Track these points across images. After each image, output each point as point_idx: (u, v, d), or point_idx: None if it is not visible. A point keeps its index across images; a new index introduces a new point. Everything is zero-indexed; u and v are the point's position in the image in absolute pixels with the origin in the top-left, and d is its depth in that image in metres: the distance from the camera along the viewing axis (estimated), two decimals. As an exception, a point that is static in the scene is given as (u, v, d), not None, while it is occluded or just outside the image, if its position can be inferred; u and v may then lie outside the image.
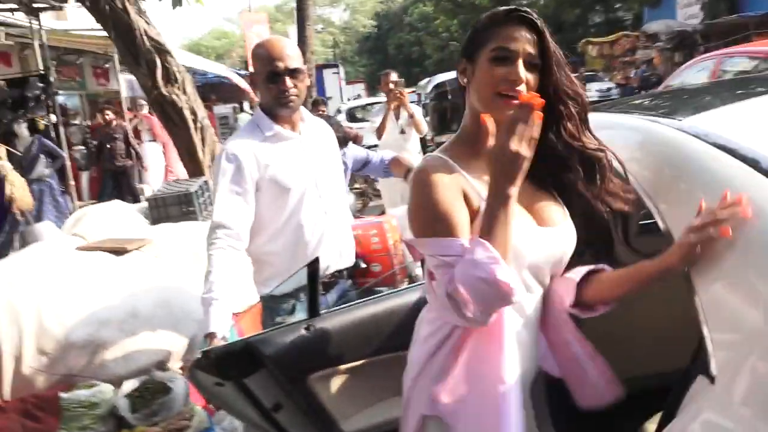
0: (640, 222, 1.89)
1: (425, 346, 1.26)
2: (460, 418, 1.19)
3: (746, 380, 0.93)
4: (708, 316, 1.01)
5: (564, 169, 1.25)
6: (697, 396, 1.02)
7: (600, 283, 1.25)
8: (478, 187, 1.18)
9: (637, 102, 2.10)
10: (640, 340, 1.82)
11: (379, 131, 5.28)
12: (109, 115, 8.62)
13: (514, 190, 1.10)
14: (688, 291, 1.05)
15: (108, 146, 8.52)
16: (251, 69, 2.09)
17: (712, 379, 0.97)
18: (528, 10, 1.18)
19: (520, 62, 1.16)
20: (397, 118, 5.24)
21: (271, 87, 1.95)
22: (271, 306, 2.05)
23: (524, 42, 1.16)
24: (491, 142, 1.12)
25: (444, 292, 1.11)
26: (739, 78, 3.27)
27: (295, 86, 1.96)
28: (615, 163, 1.28)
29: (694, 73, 7.21)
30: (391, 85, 5.15)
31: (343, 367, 1.55)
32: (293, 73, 1.95)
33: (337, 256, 2.08)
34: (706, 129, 1.21)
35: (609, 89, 18.94)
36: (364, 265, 2.18)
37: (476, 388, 1.18)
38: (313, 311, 1.58)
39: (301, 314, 1.99)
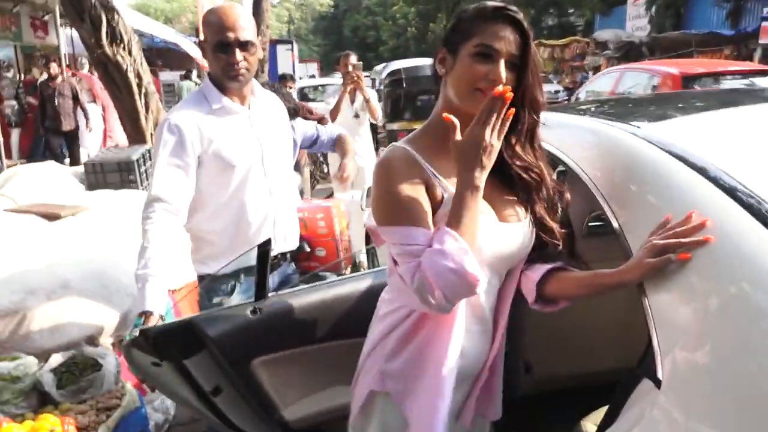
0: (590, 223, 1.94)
1: (381, 325, 1.30)
2: (407, 396, 1.24)
3: (692, 387, 0.96)
4: (656, 319, 1.03)
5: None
6: (642, 399, 1.05)
7: (560, 282, 1.28)
8: (442, 179, 1.19)
9: (586, 107, 2.15)
10: (590, 337, 1.87)
11: (333, 113, 5.20)
12: (54, 69, 8.09)
13: (482, 180, 1.12)
14: (638, 292, 1.08)
15: (53, 104, 8.03)
16: (201, 36, 1.99)
17: (658, 384, 1.00)
18: (516, 9, 1.17)
19: (502, 62, 1.15)
20: (353, 101, 5.17)
21: (219, 57, 1.86)
22: (209, 286, 1.98)
23: (508, 42, 1.15)
24: (457, 136, 1.13)
25: (410, 279, 1.13)
26: (697, 91, 3.41)
27: (246, 59, 1.87)
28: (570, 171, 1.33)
29: (603, 82, 8.58)
30: (350, 68, 5.06)
31: (287, 352, 1.52)
32: (244, 45, 1.86)
33: (281, 239, 2.03)
34: (660, 136, 1.24)
35: (557, 92, 19.46)
36: (308, 249, 2.13)
37: (424, 370, 1.23)
38: (261, 294, 1.54)
39: (240, 296, 1.96)
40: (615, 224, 1.18)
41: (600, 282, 1.19)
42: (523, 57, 1.17)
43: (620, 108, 2.03)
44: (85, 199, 3.74)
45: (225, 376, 1.46)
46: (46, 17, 11.05)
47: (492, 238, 1.20)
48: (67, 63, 10.05)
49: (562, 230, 1.28)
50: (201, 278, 2.02)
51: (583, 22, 29.60)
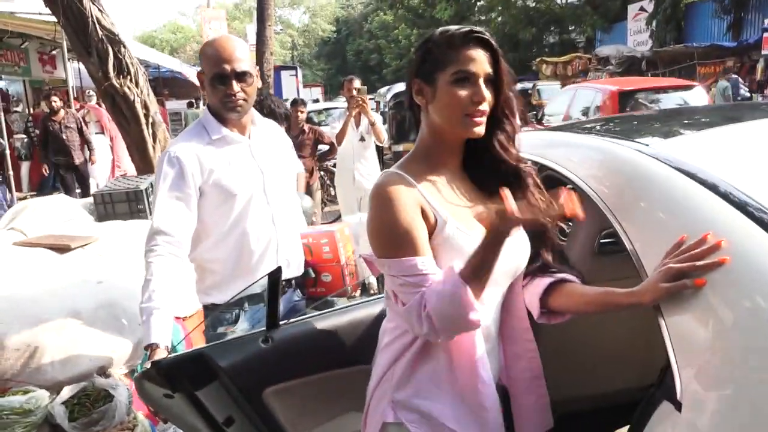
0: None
1: (386, 354, 1.29)
2: (422, 425, 1.22)
3: (712, 408, 0.94)
4: (674, 339, 1.02)
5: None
6: (662, 422, 1.03)
7: (567, 296, 1.29)
8: (434, 203, 1.21)
9: (591, 125, 2.14)
10: (609, 356, 1.85)
11: (339, 137, 5.23)
12: (56, 102, 8.17)
13: (503, 245, 1.13)
14: (654, 312, 1.06)
15: (61, 138, 8.06)
16: (199, 68, 2.01)
17: (678, 407, 0.98)
18: (482, 30, 1.21)
19: (482, 82, 1.19)
20: (358, 125, 5.21)
21: (217, 89, 1.87)
22: (214, 315, 1.97)
23: (482, 62, 1.20)
24: (511, 206, 1.09)
25: (414, 313, 1.14)
26: (702, 107, 3.42)
27: (243, 90, 1.88)
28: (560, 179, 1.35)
29: (561, 100, 9.62)
30: (354, 92, 5.11)
31: (300, 380, 1.50)
32: (241, 76, 1.87)
33: (285, 266, 2.01)
34: (669, 153, 1.24)
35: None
36: (314, 275, 2.12)
37: (438, 397, 1.22)
38: (272, 322, 1.53)
39: (245, 324, 1.95)
40: (626, 242, 1.17)
41: (612, 301, 1.19)
42: (496, 72, 1.21)
43: (625, 125, 2.02)
44: (94, 230, 3.76)
45: (237, 407, 1.44)
46: (54, 52, 11.24)
47: None
48: (75, 96, 10.19)
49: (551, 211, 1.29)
50: (205, 308, 2.01)
51: (585, 38, 29.78)
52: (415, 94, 1.24)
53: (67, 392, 2.54)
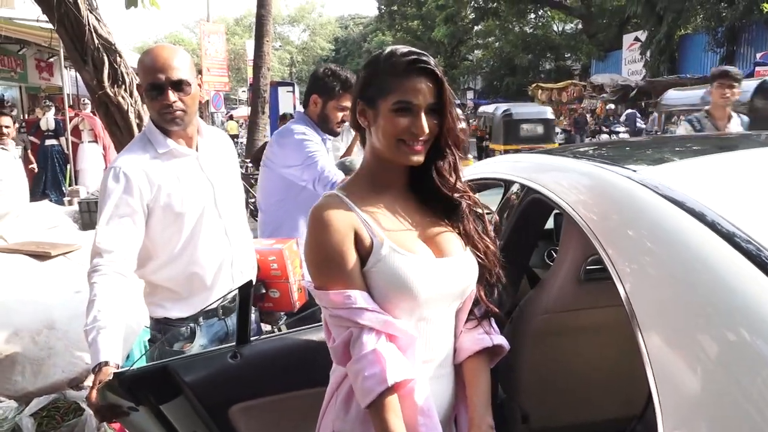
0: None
1: (332, 379, 1.27)
2: None
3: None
4: (656, 372, 0.99)
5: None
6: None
7: (468, 368, 1.29)
8: (371, 223, 1.19)
9: (583, 150, 2.13)
10: (590, 385, 1.81)
11: (347, 155, 5.25)
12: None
13: None
14: (638, 347, 1.03)
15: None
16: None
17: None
18: (427, 59, 1.18)
19: (423, 114, 1.17)
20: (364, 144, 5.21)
21: (154, 100, 1.78)
22: (166, 330, 1.90)
23: (425, 93, 1.17)
24: None
25: (339, 354, 1.16)
26: (691, 136, 3.44)
27: (181, 99, 1.78)
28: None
29: None
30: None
31: (268, 399, 1.45)
32: (178, 85, 1.76)
33: (239, 278, 1.95)
34: (657, 181, 1.22)
35: (556, 133, 19.71)
36: (263, 290, 2.09)
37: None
38: (242, 338, 1.48)
39: (203, 340, 1.91)
40: (611, 269, 1.14)
41: (468, 404, 1.25)
42: (440, 102, 1.19)
43: (617, 151, 2.01)
44: (77, 238, 3.70)
45: (203, 423, 1.39)
46: (52, 59, 11.24)
47: (432, 275, 1.18)
48: (71, 104, 10.17)
49: (494, 249, 1.30)
50: (158, 321, 1.93)
51: (580, 66, 30.18)
52: (358, 115, 1.23)
53: (36, 404, 2.47)
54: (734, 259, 0.97)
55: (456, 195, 1.25)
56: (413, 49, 1.20)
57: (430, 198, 1.27)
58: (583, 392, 1.81)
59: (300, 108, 3.10)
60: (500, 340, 1.30)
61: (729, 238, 1.01)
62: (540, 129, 14.54)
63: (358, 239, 1.16)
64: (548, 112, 15.47)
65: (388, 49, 1.22)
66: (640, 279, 1.08)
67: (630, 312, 1.05)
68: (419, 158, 1.20)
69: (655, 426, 0.95)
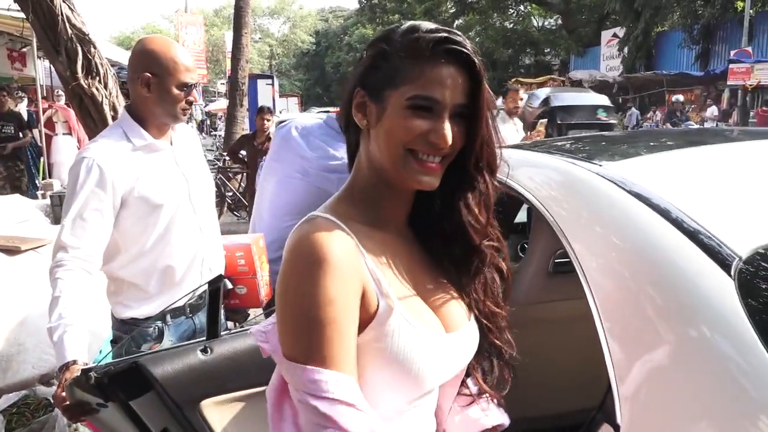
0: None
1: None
2: None
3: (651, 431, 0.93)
4: (615, 361, 1.01)
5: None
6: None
7: None
8: (380, 276, 0.84)
9: (560, 144, 2.15)
10: (555, 377, 1.84)
11: None
12: None
13: None
14: (598, 333, 1.05)
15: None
16: (141, 68, 1.83)
17: (616, 429, 0.97)
18: (462, 41, 0.84)
19: (447, 116, 0.84)
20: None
21: (177, 96, 1.82)
22: (137, 331, 1.86)
23: (454, 89, 0.84)
24: None
25: None
26: (659, 130, 3.49)
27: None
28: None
29: None
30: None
31: (239, 393, 1.45)
32: (195, 86, 1.91)
33: (208, 275, 1.93)
34: (624, 176, 1.24)
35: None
36: (230, 286, 2.07)
37: None
38: (213, 332, 1.48)
39: (172, 339, 1.89)
40: (576, 264, 1.16)
41: None
42: (474, 104, 0.85)
43: (592, 146, 2.03)
44: (49, 233, 3.64)
45: (173, 419, 1.38)
46: (25, 49, 11.00)
47: (442, 356, 0.89)
48: (44, 95, 9.97)
49: (504, 314, 0.99)
50: (123, 322, 1.89)
51: (559, 61, 30.43)
52: (355, 110, 0.88)
53: (5, 401, 2.44)
54: (696, 257, 0.99)
55: (486, 242, 0.93)
56: (441, 26, 0.86)
57: (433, 240, 0.94)
58: (552, 384, 1.84)
59: (276, 102, 3.03)
60: (499, 418, 1.05)
61: (692, 235, 1.03)
62: None
63: (363, 299, 0.82)
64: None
65: (409, 23, 0.88)
66: (603, 274, 1.10)
67: (593, 306, 1.07)
68: (433, 181, 0.86)
69: (613, 414, 0.97)
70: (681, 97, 16.66)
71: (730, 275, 0.94)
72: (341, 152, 2.12)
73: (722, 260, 0.96)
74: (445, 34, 0.84)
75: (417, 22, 0.87)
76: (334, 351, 0.77)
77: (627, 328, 1.02)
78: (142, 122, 1.85)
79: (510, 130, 5.41)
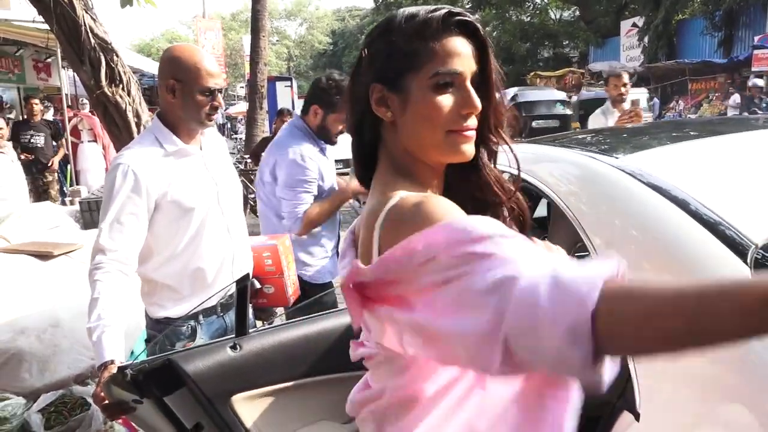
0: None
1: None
2: None
3: (670, 422, 0.95)
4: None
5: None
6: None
7: None
8: None
9: (579, 137, 2.16)
10: None
11: None
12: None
13: None
14: None
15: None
16: (168, 75, 1.90)
17: (637, 417, 0.99)
18: (464, 12, 0.90)
19: (469, 84, 0.89)
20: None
21: (202, 101, 1.86)
22: (171, 329, 1.92)
23: (468, 57, 0.89)
24: None
25: (487, 326, 0.64)
26: (675, 121, 3.44)
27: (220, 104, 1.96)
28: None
29: None
30: None
31: (269, 388, 1.50)
32: (220, 91, 1.94)
33: (239, 275, 1.98)
34: (641, 168, 1.25)
35: (555, 121, 19.71)
36: (258, 286, 2.12)
37: None
38: (241, 329, 1.53)
39: (204, 337, 1.94)
40: (594, 258, 1.17)
41: None
42: (483, 69, 0.91)
43: (611, 138, 2.03)
44: (79, 238, 3.74)
45: (206, 413, 1.44)
46: (49, 59, 11.25)
47: None
48: (69, 104, 10.20)
49: None
50: (157, 321, 1.95)
51: (578, 53, 30.07)
52: (376, 105, 0.91)
53: (44, 400, 2.52)
54: (715, 248, 1.00)
55: (510, 200, 0.97)
56: (438, 5, 0.90)
57: (466, 208, 0.88)
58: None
59: (295, 104, 3.10)
60: None
61: (712, 227, 1.04)
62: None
63: None
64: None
65: (404, 9, 0.91)
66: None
67: None
68: (471, 150, 0.91)
69: (633, 402, 0.99)
70: (760, 81, 14.44)
71: (746, 263, 0.95)
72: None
73: (738, 248, 0.98)
74: (448, 9, 0.88)
75: (412, 8, 0.91)
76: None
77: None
78: (172, 128, 1.91)
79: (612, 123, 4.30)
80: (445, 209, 0.78)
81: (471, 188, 0.97)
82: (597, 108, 4.65)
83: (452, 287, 0.68)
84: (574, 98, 15.61)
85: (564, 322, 0.59)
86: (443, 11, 0.88)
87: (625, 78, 4.39)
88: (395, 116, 0.91)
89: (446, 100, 0.88)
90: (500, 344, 0.63)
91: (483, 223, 0.71)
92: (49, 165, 8.20)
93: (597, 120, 4.54)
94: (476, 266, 0.67)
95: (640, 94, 4.05)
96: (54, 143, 8.46)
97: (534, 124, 14.52)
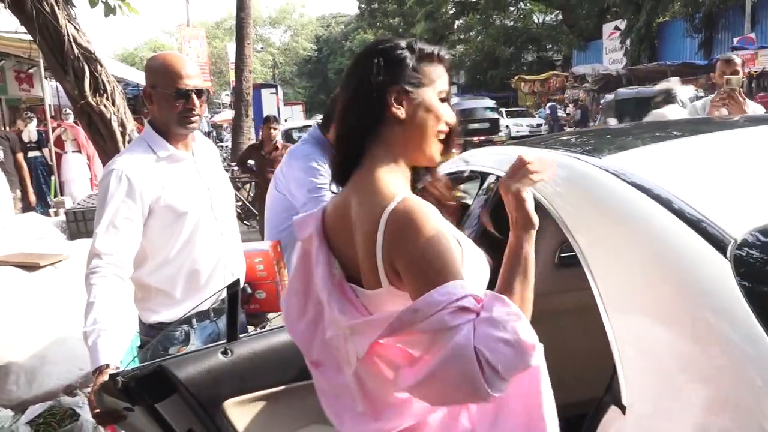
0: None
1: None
2: None
3: (656, 413, 0.96)
4: (619, 344, 1.05)
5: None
6: (610, 426, 1.05)
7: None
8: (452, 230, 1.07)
9: (564, 138, 2.19)
10: (569, 368, 1.86)
11: None
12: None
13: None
14: (603, 321, 1.09)
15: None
16: (147, 82, 1.94)
17: (623, 410, 1.00)
18: (444, 50, 1.17)
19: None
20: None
21: (176, 104, 1.85)
22: (163, 334, 1.92)
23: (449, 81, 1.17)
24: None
25: (449, 362, 0.88)
26: (659, 121, 3.46)
27: (200, 107, 1.91)
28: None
29: None
30: None
31: (260, 393, 1.50)
32: (199, 93, 1.90)
33: (231, 280, 1.98)
34: (624, 168, 1.27)
35: (539, 125, 19.96)
36: (250, 291, 2.13)
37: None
38: (232, 334, 1.53)
39: (197, 343, 1.93)
40: (581, 259, 1.19)
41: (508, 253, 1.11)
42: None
43: (594, 139, 2.06)
44: (66, 248, 3.72)
45: (198, 419, 1.44)
46: (31, 70, 11.15)
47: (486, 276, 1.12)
48: (52, 114, 10.11)
49: None
50: (151, 327, 1.95)
51: (562, 57, 30.34)
52: (394, 103, 1.08)
53: (32, 412, 2.50)
54: (698, 245, 1.02)
55: (451, 204, 1.17)
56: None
57: None
58: (560, 374, 1.87)
59: (281, 111, 3.09)
60: None
61: (695, 224, 1.06)
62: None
63: None
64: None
65: (405, 40, 1.14)
66: (606, 264, 1.13)
67: (597, 296, 1.10)
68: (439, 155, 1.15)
69: (619, 396, 1.01)
70: (740, 82, 15.12)
71: (726, 257, 0.98)
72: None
73: (719, 244, 1.00)
74: (440, 46, 1.17)
75: (413, 39, 1.15)
76: (457, 268, 0.97)
77: (630, 314, 1.06)
78: (163, 134, 1.92)
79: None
80: (437, 218, 0.99)
81: (428, 187, 1.16)
82: (634, 107, 4.47)
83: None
84: (609, 97, 15.61)
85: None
86: (440, 46, 1.15)
87: (737, 61, 3.47)
88: (410, 115, 1.09)
89: (446, 110, 1.12)
90: None
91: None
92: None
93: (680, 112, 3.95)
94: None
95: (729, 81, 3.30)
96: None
97: (469, 126, 17.69)
